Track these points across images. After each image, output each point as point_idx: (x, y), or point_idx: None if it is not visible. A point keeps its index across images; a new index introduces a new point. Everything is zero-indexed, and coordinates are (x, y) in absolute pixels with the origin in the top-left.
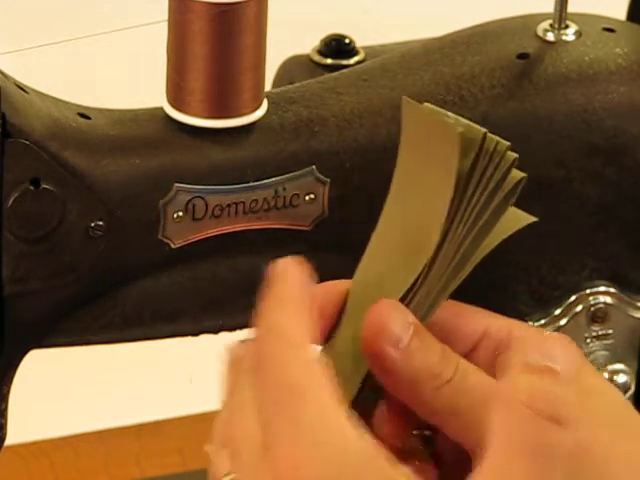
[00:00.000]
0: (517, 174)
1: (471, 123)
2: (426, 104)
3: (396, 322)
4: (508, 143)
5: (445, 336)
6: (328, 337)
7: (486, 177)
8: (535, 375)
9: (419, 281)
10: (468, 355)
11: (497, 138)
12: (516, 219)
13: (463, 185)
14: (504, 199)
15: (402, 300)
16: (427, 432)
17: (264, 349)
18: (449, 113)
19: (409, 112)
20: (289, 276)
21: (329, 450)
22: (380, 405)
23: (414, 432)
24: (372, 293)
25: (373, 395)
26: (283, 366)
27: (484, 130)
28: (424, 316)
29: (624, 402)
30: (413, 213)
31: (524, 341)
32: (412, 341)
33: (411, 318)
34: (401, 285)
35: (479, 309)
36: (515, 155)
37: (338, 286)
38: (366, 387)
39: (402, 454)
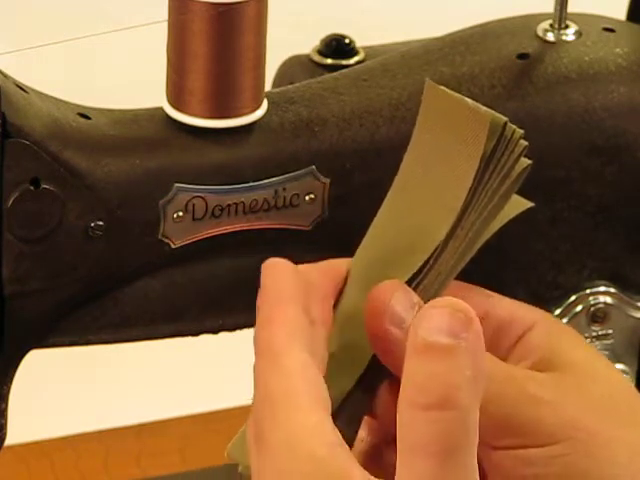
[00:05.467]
0: (524, 161)
1: (492, 110)
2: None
3: (400, 302)
4: (522, 131)
5: None
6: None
7: (501, 163)
8: None
9: (430, 262)
10: None
11: (514, 126)
12: (516, 204)
13: (483, 169)
14: (511, 185)
15: (410, 282)
16: None
17: (256, 359)
18: (468, 99)
19: (431, 95)
20: (278, 273)
21: (297, 475)
22: (385, 389)
23: None
24: (375, 274)
25: (367, 392)
26: (266, 379)
27: (505, 118)
28: (432, 298)
29: (629, 390)
30: (426, 194)
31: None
32: None
33: (415, 298)
34: (408, 267)
35: (480, 289)
36: (526, 143)
37: (337, 266)
38: (368, 370)
39: None
